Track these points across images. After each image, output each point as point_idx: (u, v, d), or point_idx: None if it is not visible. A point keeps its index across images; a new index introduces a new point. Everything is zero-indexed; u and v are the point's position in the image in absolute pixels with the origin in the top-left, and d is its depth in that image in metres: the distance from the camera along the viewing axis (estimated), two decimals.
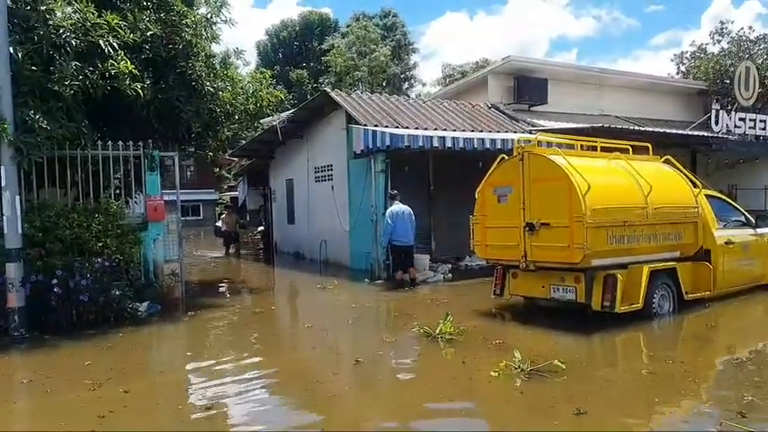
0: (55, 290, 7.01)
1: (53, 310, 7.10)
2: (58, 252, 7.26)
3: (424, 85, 42.75)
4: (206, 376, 5.45)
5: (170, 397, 5.01)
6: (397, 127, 12.05)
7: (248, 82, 10.59)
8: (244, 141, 15.53)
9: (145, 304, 8.09)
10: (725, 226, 8.44)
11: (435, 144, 10.97)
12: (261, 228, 20.25)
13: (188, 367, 5.91)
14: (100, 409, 4.44)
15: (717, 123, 16.67)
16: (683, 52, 24.36)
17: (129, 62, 7.53)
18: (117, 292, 7.61)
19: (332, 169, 14.06)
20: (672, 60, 24.98)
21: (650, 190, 7.17)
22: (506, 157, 7.75)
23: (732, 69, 19.35)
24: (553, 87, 16.69)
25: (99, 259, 7.40)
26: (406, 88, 39.76)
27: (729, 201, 9.44)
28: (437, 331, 6.46)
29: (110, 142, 8.24)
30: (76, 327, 7.12)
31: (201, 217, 45.26)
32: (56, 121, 7.18)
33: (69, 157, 7.94)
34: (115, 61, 7.44)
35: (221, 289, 11.21)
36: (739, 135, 16.89)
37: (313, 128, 14.92)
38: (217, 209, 46.53)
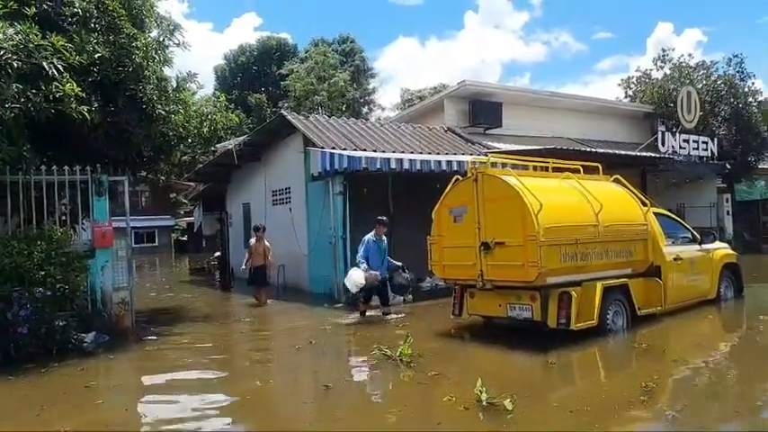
0: None
1: None
2: None
3: (383, 109, 43.23)
4: (150, 413, 5.19)
5: None
6: (355, 150, 12.05)
7: (201, 105, 10.44)
8: (201, 166, 15.29)
9: (91, 335, 7.73)
10: (673, 243, 8.69)
11: (393, 166, 11.02)
12: (217, 254, 19.88)
13: (130, 403, 5.61)
14: None
15: (663, 144, 17.42)
16: (629, 77, 25.43)
17: (75, 84, 7.28)
18: (61, 323, 7.23)
19: (290, 192, 13.93)
20: (619, 85, 26.04)
21: (600, 208, 7.33)
22: (461, 178, 7.83)
23: (675, 93, 20.25)
24: (507, 111, 17.07)
25: (41, 288, 7.05)
26: (366, 113, 40.07)
27: (677, 218, 9.76)
28: (397, 353, 6.39)
29: (55, 167, 7.93)
30: (14, 360, 6.71)
31: (157, 243, 44.15)
32: None
33: (10, 182, 7.61)
34: (60, 83, 7.19)
35: (174, 318, 10.81)
36: (684, 156, 17.66)
37: (270, 151, 14.79)
38: (173, 235, 45.37)
